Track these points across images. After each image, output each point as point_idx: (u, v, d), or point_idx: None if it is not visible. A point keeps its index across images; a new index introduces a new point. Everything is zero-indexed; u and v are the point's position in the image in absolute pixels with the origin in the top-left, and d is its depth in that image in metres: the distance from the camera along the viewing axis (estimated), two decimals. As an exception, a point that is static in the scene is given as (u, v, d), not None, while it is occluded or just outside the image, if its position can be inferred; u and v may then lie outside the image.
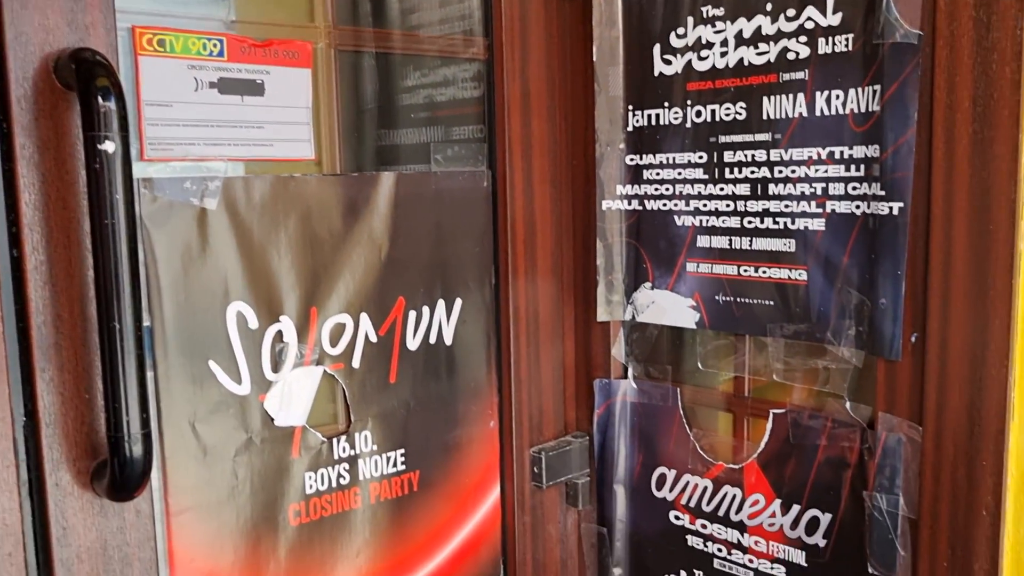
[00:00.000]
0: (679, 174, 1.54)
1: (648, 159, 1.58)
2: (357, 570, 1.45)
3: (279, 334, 1.34)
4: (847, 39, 1.31)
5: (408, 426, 1.49)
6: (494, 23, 1.54)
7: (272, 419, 1.34)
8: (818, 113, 1.36)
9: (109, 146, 1.03)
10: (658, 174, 1.57)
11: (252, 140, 1.30)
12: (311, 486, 1.38)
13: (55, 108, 1.10)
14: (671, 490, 1.62)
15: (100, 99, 1.03)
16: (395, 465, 1.48)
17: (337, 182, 1.38)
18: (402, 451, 1.49)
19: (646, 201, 1.59)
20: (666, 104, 1.54)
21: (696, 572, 1.60)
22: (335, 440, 1.41)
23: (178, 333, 1.24)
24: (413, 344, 1.49)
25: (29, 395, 1.11)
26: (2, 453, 1.09)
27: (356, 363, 1.42)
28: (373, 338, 1.44)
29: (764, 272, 1.45)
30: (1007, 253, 1.16)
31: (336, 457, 1.41)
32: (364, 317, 1.42)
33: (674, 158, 1.54)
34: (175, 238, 1.23)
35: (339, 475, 1.42)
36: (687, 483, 1.59)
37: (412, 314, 1.48)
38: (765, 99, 1.42)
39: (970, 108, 1.18)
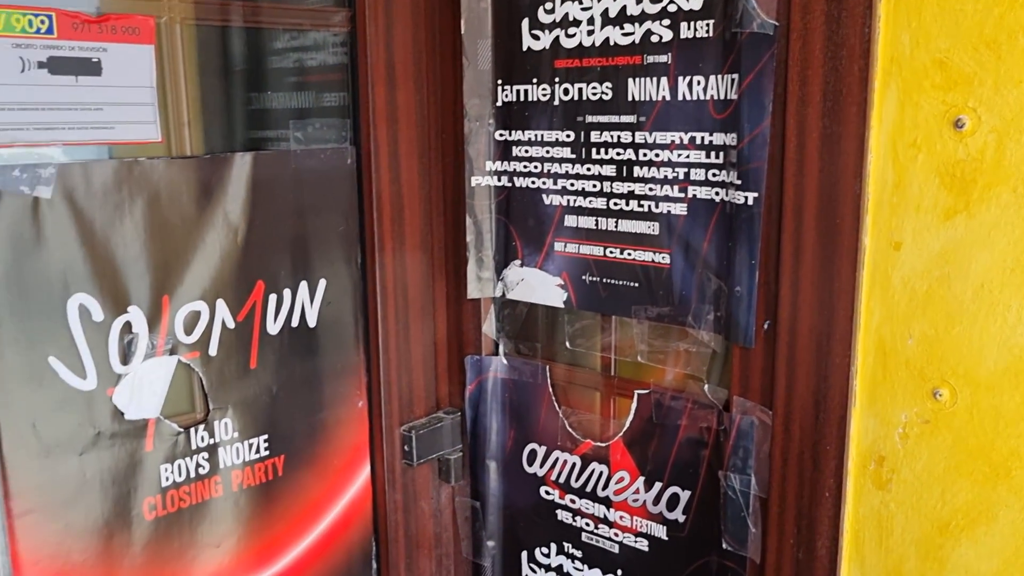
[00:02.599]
0: (547, 152, 1.52)
1: (517, 135, 1.55)
2: (221, 559, 1.43)
3: (127, 325, 1.28)
4: (708, 25, 1.30)
5: (271, 411, 1.47)
6: (356, -7, 1.48)
7: (122, 413, 1.29)
8: (680, 97, 1.35)
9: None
10: (527, 151, 1.55)
11: (90, 123, 1.22)
12: (167, 478, 1.35)
13: None
14: (541, 466, 1.64)
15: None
16: (258, 451, 1.46)
17: (187, 165, 1.32)
18: (265, 436, 1.46)
19: (515, 178, 1.57)
20: (534, 80, 1.52)
21: (565, 545, 1.63)
22: (192, 430, 1.37)
23: (13, 330, 1.17)
24: (274, 328, 1.45)
25: None
26: None
27: (213, 351, 1.38)
28: (231, 324, 1.39)
29: (629, 254, 1.45)
30: (852, 247, 1.19)
31: (194, 447, 1.38)
32: (220, 303, 1.38)
33: (542, 135, 1.52)
34: (6, 230, 1.16)
35: (198, 465, 1.39)
36: (557, 459, 1.61)
37: (272, 298, 1.44)
38: (630, 80, 1.40)
39: (820, 103, 1.19)
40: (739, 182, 1.28)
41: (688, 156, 1.35)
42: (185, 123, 1.34)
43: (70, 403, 1.24)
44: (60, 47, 1.18)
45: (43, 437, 1.22)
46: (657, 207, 1.40)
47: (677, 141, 1.36)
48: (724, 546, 1.39)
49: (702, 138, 1.33)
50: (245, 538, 1.45)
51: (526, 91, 1.53)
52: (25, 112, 1.16)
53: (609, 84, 1.43)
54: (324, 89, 1.54)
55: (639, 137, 1.41)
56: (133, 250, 1.27)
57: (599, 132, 1.45)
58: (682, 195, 1.37)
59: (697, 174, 1.35)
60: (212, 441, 1.40)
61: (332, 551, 1.59)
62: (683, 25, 1.33)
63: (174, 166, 1.31)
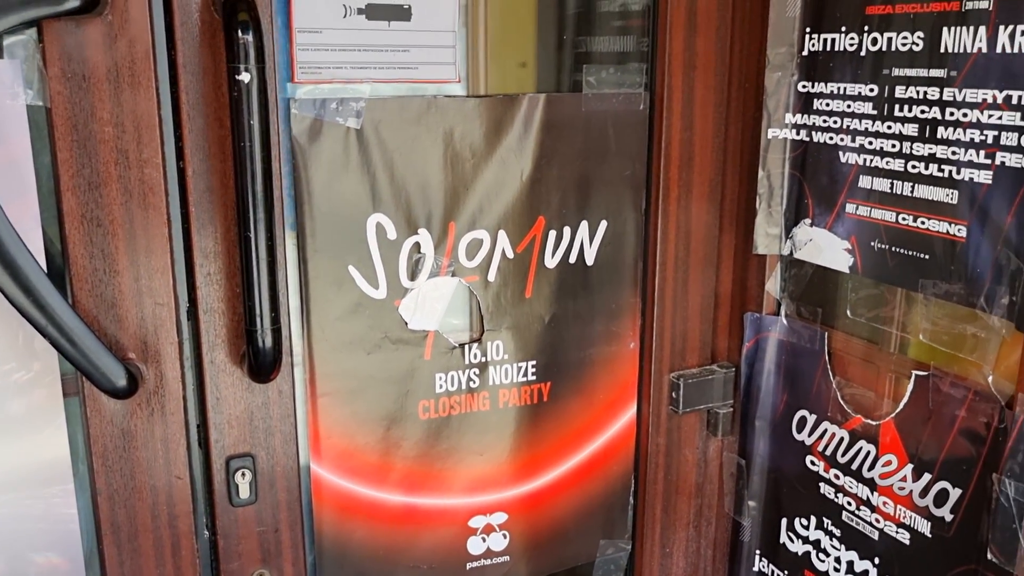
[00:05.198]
0: (848, 106, 1.42)
1: (819, 87, 1.47)
2: (483, 467, 1.57)
3: (417, 245, 1.44)
4: (1040, -35, 1.13)
5: (542, 339, 1.56)
6: (661, -63, 1.48)
7: (406, 323, 1.46)
8: (999, 50, 1.19)
9: (245, 77, 1.16)
10: (828, 105, 1.46)
11: (398, 63, 1.37)
12: (441, 386, 1.51)
13: (213, 38, 1.24)
14: (810, 434, 1.57)
15: (239, 32, 1.15)
16: (526, 375, 1.57)
17: (481, 104, 1.43)
18: (534, 362, 1.57)
19: (813, 132, 1.49)
20: (843, 28, 1.42)
21: (825, 521, 1.56)
22: (467, 347, 1.52)
23: (323, 239, 1.38)
24: (551, 262, 1.54)
25: (191, 286, 1.31)
26: (167, 332, 1.30)
27: (491, 277, 1.50)
28: (510, 254, 1.50)
29: (923, 223, 1.32)
30: None
31: (467, 362, 1.52)
32: (502, 234, 1.49)
33: (845, 88, 1.42)
34: (322, 154, 1.35)
35: (469, 379, 1.53)
36: (825, 430, 1.54)
37: (552, 233, 1.52)
38: (944, 30, 1.26)
39: None
40: (1053, 151, 1.11)
41: (1000, 118, 1.20)
42: (481, 64, 1.45)
43: (363, 308, 1.43)
44: (427, -4, 1.35)
45: (340, 334, 1.42)
46: (959, 173, 1.26)
47: (989, 100, 1.21)
48: (989, 556, 1.25)
49: (1018, 98, 1.17)
50: (507, 452, 1.58)
51: (833, 40, 1.44)
52: (345, 52, 1.34)
53: (921, 34, 1.30)
54: (623, 34, 1.57)
55: (947, 94, 1.26)
56: (426, 178, 1.42)
57: (904, 87, 1.33)
58: (988, 161, 1.22)
59: (1008, 139, 1.19)
60: (483, 359, 1.53)
61: (591, 479, 1.67)
62: (1012, -34, 1.17)
63: (468, 104, 1.43)
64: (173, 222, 1.28)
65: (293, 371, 1.39)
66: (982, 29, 1.21)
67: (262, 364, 1.28)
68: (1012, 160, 1.19)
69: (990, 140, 1.21)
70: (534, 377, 1.57)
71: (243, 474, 1.38)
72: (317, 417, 1.45)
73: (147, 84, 1.21)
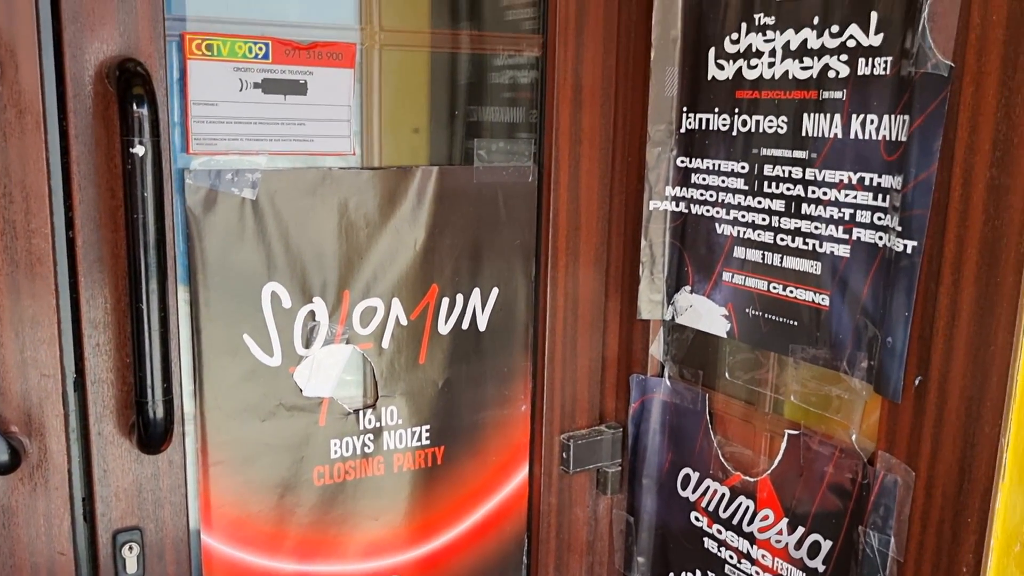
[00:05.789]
0: (723, 182, 1.52)
1: (696, 163, 1.57)
2: (378, 531, 1.58)
3: (311, 313, 1.46)
4: (885, 62, 1.25)
5: (436, 404, 1.59)
6: (548, 20, 1.56)
7: (301, 390, 1.47)
8: (852, 136, 1.31)
9: (139, 149, 1.17)
10: (704, 179, 1.56)
11: (293, 136, 1.40)
12: (336, 452, 1.52)
13: (106, 110, 1.24)
14: (694, 491, 1.64)
15: (134, 106, 1.17)
16: (420, 439, 1.59)
17: (375, 175, 1.47)
18: (428, 427, 1.59)
19: (692, 205, 1.58)
20: (716, 109, 1.52)
21: (709, 574, 1.62)
22: (361, 412, 1.53)
23: (218, 308, 1.38)
24: (444, 328, 1.57)
25: (79, 356, 1.29)
26: (53, 403, 1.28)
27: (386, 344, 1.53)
28: (404, 321, 1.54)
29: (791, 292, 1.42)
30: (1011, 308, 1.10)
31: (361, 428, 1.53)
32: (396, 302, 1.52)
33: (719, 165, 1.52)
34: (217, 224, 1.36)
35: (364, 444, 1.54)
36: (708, 487, 1.61)
37: (445, 301, 1.57)
38: (805, 115, 1.38)
39: (990, 151, 1.11)
40: (899, 228, 1.22)
41: (855, 197, 1.31)
42: (376, 138, 1.49)
43: (257, 376, 1.43)
44: (273, 71, 1.37)
45: (234, 401, 1.42)
46: (821, 246, 1.37)
47: (845, 181, 1.32)
48: (858, 605, 1.33)
49: (870, 179, 1.28)
50: (402, 516, 1.60)
51: (708, 120, 1.54)
52: (240, 125, 1.36)
53: (785, 118, 1.41)
54: (513, 106, 1.64)
55: (809, 174, 1.37)
56: (321, 248, 1.44)
57: (772, 166, 1.43)
58: (846, 236, 1.33)
59: (863, 216, 1.30)
60: (378, 424, 1.55)
61: (485, 540, 1.70)
62: (861, 61, 1.28)
63: (363, 176, 1.46)
64: (61, 292, 1.27)
65: (184, 440, 1.38)
66: (837, 116, 1.33)
67: (152, 435, 1.27)
68: (867, 236, 1.30)
69: (847, 217, 1.32)
70: (428, 441, 1.60)
71: (130, 548, 1.36)
72: (209, 486, 1.43)
73: (37, 154, 1.21)
